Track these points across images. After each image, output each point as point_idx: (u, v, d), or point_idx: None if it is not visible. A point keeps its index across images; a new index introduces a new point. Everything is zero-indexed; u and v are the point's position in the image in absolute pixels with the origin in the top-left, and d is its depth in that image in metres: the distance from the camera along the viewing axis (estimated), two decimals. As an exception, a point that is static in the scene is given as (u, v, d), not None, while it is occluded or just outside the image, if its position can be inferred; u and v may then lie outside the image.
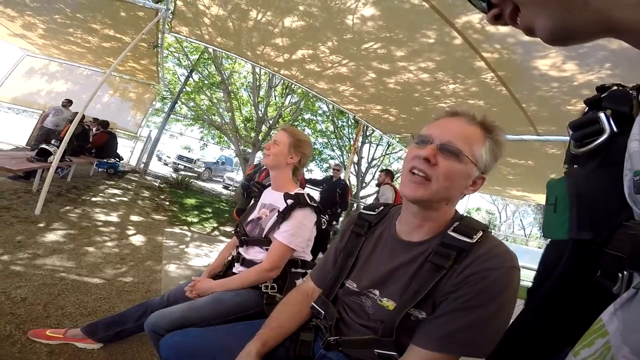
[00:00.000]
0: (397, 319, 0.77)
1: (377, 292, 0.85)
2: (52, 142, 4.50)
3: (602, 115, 0.51)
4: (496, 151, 0.82)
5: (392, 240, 0.90)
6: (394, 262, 0.85)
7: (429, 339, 0.73)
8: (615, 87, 0.54)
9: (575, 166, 0.57)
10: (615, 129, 0.50)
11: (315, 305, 0.98)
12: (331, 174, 6.15)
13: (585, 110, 0.58)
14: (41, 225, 3.17)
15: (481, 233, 0.78)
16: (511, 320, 0.73)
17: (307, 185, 5.73)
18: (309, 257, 1.53)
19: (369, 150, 13.65)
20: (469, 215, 0.88)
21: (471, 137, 0.79)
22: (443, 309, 0.74)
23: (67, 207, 4.06)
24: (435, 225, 0.83)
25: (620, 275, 0.45)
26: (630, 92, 0.51)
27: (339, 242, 1.03)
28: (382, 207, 1.00)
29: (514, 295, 0.73)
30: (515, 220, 35.99)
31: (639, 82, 0.54)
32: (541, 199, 8.59)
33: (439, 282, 0.76)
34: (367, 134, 12.58)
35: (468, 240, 0.76)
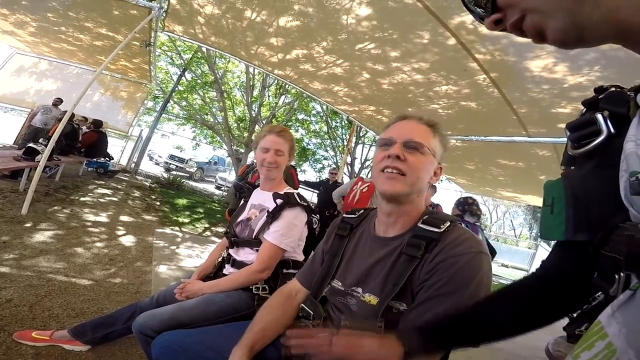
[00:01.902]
0: (379, 313, 0.80)
1: (360, 289, 0.89)
2: (40, 140, 4.41)
3: (599, 116, 0.51)
4: (444, 142, 0.93)
5: (371, 238, 0.95)
6: (373, 258, 0.90)
7: None
8: (612, 89, 0.54)
9: (572, 167, 0.57)
10: (612, 130, 0.50)
11: (304, 306, 1.01)
12: (326, 176, 6.19)
13: (583, 111, 0.58)
14: (28, 225, 3.11)
15: (449, 223, 0.84)
16: None
17: (301, 186, 5.71)
18: (300, 257, 1.52)
19: (362, 151, 13.67)
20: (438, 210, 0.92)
21: (424, 133, 0.89)
22: (419, 298, 0.78)
23: (55, 207, 3.98)
24: (408, 219, 0.89)
25: (617, 276, 0.45)
26: (628, 93, 0.51)
27: (325, 244, 1.09)
28: (362, 210, 1.07)
29: (487, 280, 0.76)
30: (506, 221, 36.43)
31: (629, 83, 0.54)
32: (532, 199, 8.71)
33: (414, 272, 0.80)
34: (361, 134, 12.61)
35: (436, 230, 0.82)
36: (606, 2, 0.37)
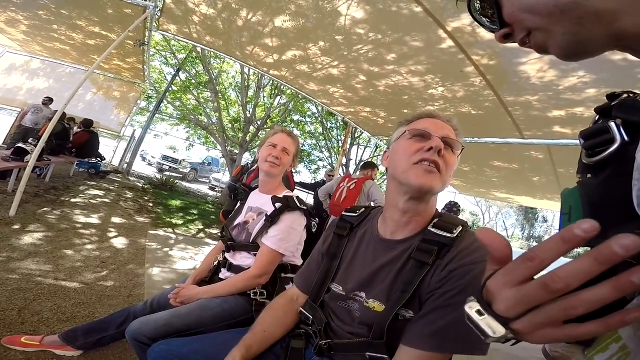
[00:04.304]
0: (387, 321, 0.77)
1: (363, 294, 0.85)
2: (30, 140, 4.32)
3: (612, 124, 0.51)
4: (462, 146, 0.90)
5: (375, 240, 0.90)
6: (378, 262, 0.85)
7: (419, 338, 0.72)
8: (625, 95, 0.54)
9: (588, 176, 0.56)
10: (626, 138, 0.49)
11: (303, 311, 0.98)
12: (322, 177, 6.17)
13: (596, 118, 0.57)
14: (16, 227, 3.04)
15: (461, 228, 0.79)
16: None
17: (297, 187, 5.69)
18: (299, 262, 1.49)
19: (357, 153, 13.72)
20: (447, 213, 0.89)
21: (453, 134, 0.87)
22: (430, 306, 0.74)
23: (45, 209, 3.91)
24: (421, 220, 0.85)
25: None
26: None
27: (322, 245, 1.04)
28: (363, 209, 1.01)
29: None
30: (499, 222, 36.87)
31: (621, 84, 0.53)
32: (525, 201, 8.80)
33: (424, 279, 0.76)
34: (356, 136, 12.64)
35: (449, 235, 0.78)
36: (605, 16, 0.38)
